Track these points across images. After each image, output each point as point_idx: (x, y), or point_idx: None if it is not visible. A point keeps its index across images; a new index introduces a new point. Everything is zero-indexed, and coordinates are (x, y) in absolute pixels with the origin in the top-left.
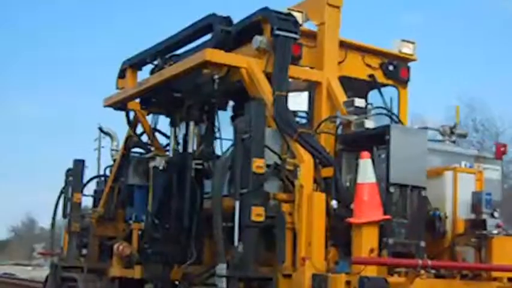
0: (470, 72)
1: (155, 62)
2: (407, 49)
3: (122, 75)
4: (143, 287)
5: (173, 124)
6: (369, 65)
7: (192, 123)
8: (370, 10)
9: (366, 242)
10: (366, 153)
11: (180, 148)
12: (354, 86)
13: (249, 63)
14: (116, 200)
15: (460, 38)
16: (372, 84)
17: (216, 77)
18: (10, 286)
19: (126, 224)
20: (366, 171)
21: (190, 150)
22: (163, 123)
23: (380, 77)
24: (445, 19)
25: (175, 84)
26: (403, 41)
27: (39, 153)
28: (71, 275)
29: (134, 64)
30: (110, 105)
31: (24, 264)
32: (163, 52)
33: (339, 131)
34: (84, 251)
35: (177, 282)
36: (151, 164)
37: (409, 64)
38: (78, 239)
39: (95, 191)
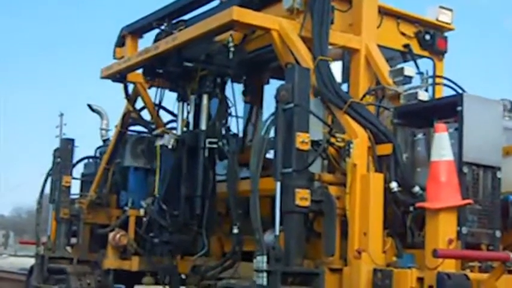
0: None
1: (162, 27)
2: (445, 17)
3: (120, 43)
4: (141, 279)
5: (182, 98)
6: (403, 34)
7: (205, 97)
8: None
9: (444, 231)
10: (442, 126)
11: (190, 125)
12: (385, 57)
13: (281, 24)
14: (110, 183)
15: None
16: (406, 55)
17: (231, 45)
18: None
19: (120, 210)
20: (443, 146)
21: (203, 127)
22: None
23: (415, 47)
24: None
25: (188, 52)
26: (441, 7)
27: None
28: (59, 267)
29: (135, 31)
30: (108, 77)
31: None
32: (172, 16)
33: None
34: (74, 240)
35: (183, 276)
36: (159, 143)
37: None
38: (67, 227)
39: (83, 175)
